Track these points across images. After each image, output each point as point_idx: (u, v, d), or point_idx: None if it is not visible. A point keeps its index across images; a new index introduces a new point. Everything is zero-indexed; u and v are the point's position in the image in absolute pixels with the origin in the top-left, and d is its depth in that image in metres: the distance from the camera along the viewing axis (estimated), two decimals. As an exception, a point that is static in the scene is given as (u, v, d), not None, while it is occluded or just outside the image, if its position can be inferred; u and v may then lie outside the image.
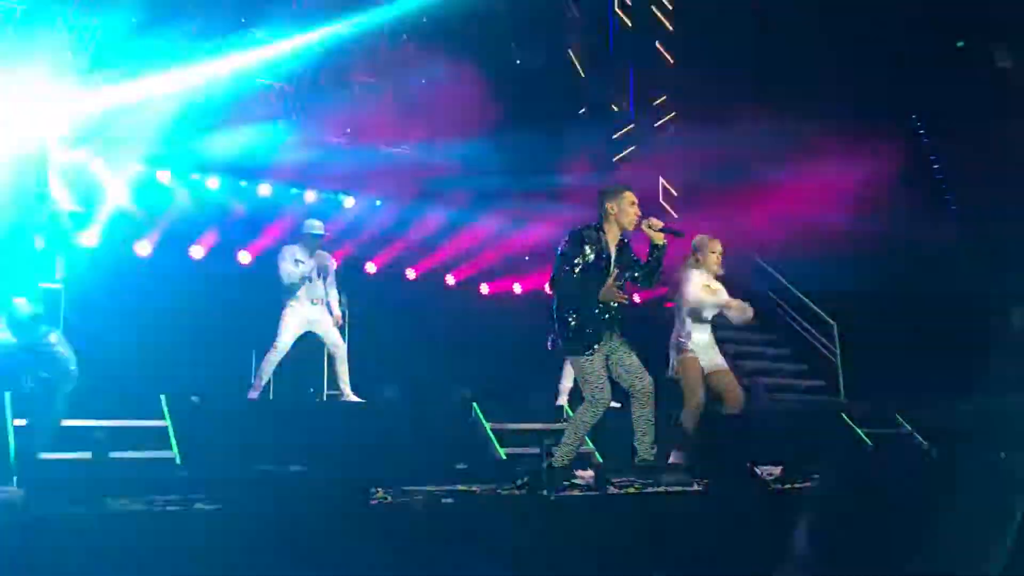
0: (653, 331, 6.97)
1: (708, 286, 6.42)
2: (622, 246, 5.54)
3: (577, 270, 5.34)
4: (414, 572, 3.31)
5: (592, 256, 5.38)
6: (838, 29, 11.68)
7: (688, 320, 6.35)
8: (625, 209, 5.49)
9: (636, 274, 5.53)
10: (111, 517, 3.18)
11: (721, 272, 6.56)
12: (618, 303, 5.39)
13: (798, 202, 10.77)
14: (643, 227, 5.48)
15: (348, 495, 3.32)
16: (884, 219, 11.85)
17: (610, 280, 5.32)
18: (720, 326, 6.72)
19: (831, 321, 10.47)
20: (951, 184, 14.00)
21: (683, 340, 6.31)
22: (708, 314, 6.40)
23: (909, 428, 9.47)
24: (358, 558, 3.15)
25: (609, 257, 5.44)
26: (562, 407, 8.36)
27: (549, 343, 5.51)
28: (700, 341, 6.35)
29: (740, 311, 6.39)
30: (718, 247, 6.56)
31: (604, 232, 5.48)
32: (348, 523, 3.23)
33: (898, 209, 12.44)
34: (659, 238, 5.47)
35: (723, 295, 6.47)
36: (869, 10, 11.51)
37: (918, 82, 12.28)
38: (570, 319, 5.36)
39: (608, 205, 5.51)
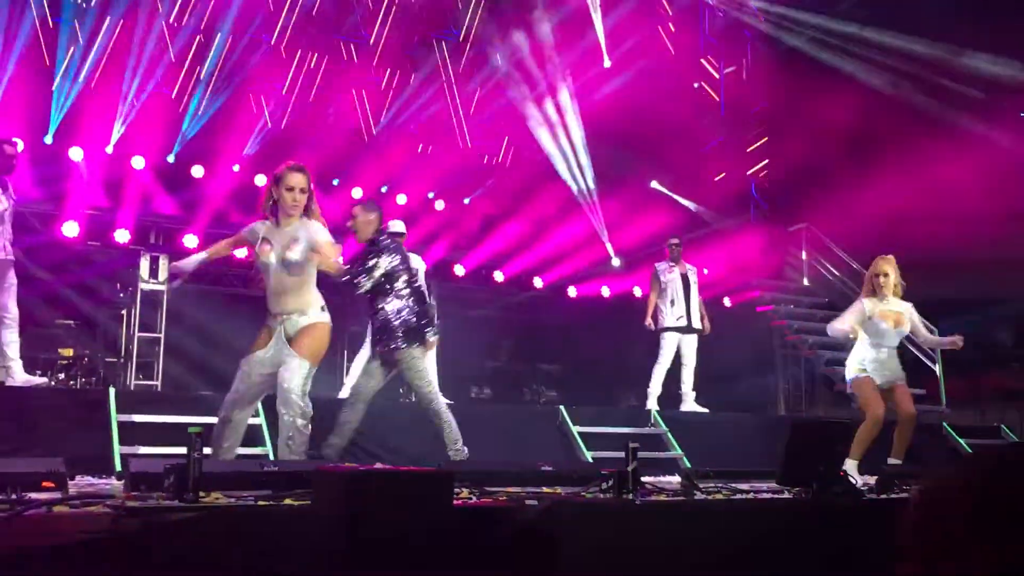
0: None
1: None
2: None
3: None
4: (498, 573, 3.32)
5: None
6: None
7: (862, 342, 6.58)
8: None
9: None
10: (203, 511, 3.28)
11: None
12: None
13: (899, 203, 10.45)
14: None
15: (432, 494, 3.34)
16: (989, 223, 11.41)
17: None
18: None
19: (933, 328, 10.09)
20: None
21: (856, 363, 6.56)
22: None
23: (1015, 438, 9.10)
24: (442, 557, 3.17)
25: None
26: (650, 411, 8.26)
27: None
28: (876, 359, 6.48)
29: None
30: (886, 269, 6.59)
31: None
32: (431, 523, 3.25)
33: (1003, 213, 11.96)
34: None
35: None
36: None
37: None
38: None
39: None
